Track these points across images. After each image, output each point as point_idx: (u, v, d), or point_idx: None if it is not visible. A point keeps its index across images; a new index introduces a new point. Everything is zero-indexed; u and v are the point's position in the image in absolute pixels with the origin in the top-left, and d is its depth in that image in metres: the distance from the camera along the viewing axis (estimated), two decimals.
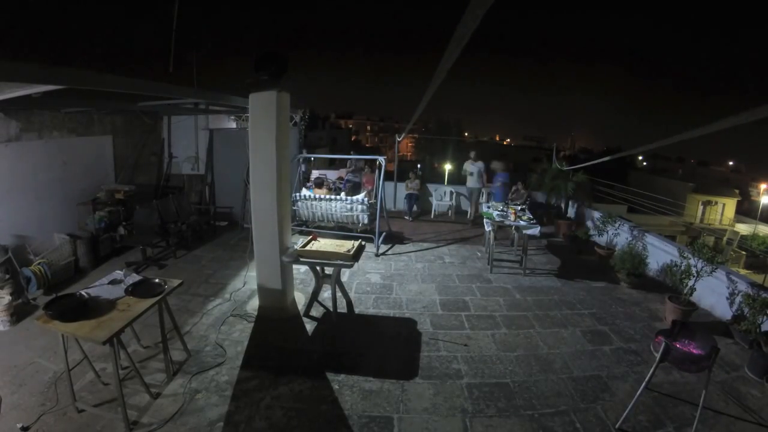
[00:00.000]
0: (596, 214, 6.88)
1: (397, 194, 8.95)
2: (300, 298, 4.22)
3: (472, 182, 7.97)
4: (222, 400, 2.70)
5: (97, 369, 2.83)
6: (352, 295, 4.28)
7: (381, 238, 6.03)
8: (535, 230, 5.23)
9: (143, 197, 6.16)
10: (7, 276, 3.67)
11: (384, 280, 4.84)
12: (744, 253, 17.44)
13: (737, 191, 23.13)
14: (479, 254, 5.96)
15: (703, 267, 3.97)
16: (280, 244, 3.71)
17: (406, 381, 2.96)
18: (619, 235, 6.21)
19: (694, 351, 2.49)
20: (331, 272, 3.85)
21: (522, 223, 5.26)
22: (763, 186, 23.52)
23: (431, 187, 8.98)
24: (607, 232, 6.26)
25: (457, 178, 9.34)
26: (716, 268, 3.97)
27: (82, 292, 2.59)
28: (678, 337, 2.61)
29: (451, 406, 2.73)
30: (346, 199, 6.05)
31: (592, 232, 6.54)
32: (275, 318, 3.82)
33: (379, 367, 3.12)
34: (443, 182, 11.02)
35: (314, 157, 8.42)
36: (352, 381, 2.94)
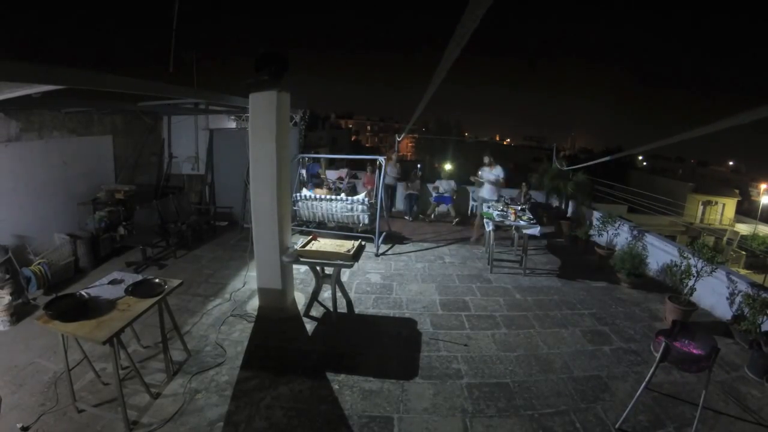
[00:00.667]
0: (596, 214, 6.88)
1: (397, 194, 8.95)
2: (300, 298, 4.22)
3: (487, 192, 6.45)
4: (222, 400, 2.70)
5: (97, 369, 2.83)
6: (352, 295, 4.28)
7: (381, 238, 6.03)
8: (535, 230, 5.23)
9: (143, 197, 6.16)
10: (7, 276, 3.67)
11: (384, 280, 4.84)
12: (744, 253, 17.45)
13: (737, 191, 23.14)
14: (478, 254, 5.96)
15: (703, 267, 3.97)
16: (280, 244, 3.71)
17: (406, 381, 2.96)
18: (619, 235, 6.21)
19: (694, 351, 2.49)
20: (331, 272, 3.85)
21: (522, 223, 5.26)
22: (763, 186, 23.51)
23: (432, 185, 8.98)
24: (607, 232, 6.26)
25: (458, 179, 9.32)
26: (716, 268, 3.97)
27: (82, 292, 2.59)
28: (678, 337, 2.61)
29: (451, 406, 2.73)
30: (347, 199, 6.05)
31: (592, 232, 6.54)
32: (275, 318, 3.82)
33: (379, 367, 3.12)
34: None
35: (322, 158, 8.43)
36: (352, 381, 2.94)
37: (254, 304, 4.04)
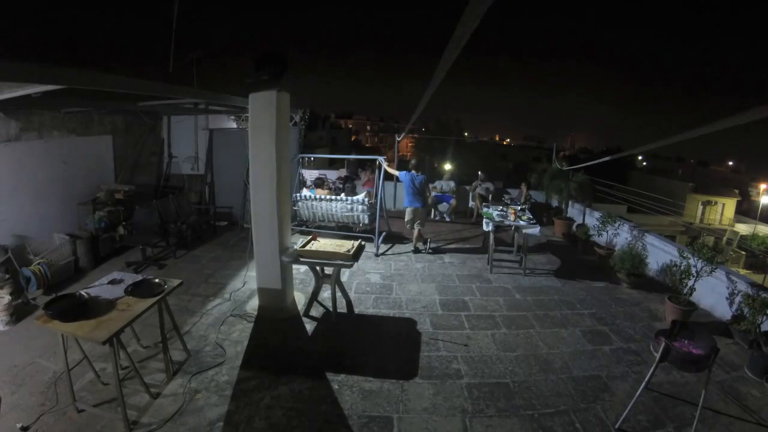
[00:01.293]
0: (596, 214, 6.88)
1: (397, 194, 8.96)
2: (300, 298, 4.22)
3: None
4: (222, 400, 2.70)
5: (97, 369, 2.82)
6: (352, 295, 4.28)
7: (381, 238, 6.03)
8: (535, 230, 5.23)
9: (143, 197, 6.17)
10: (7, 276, 3.66)
11: (384, 280, 4.84)
12: (744, 253, 17.46)
13: (737, 191, 23.16)
14: (478, 254, 5.96)
15: (702, 267, 3.97)
16: (280, 244, 3.71)
17: (405, 381, 2.96)
18: (618, 235, 6.21)
19: (694, 351, 2.49)
20: (331, 272, 3.85)
21: (522, 223, 5.26)
22: (763, 186, 23.52)
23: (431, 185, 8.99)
24: (607, 232, 6.26)
25: (458, 179, 9.33)
26: (716, 268, 3.97)
27: (82, 292, 2.59)
28: (678, 337, 2.60)
29: (451, 406, 2.73)
30: (347, 199, 6.06)
31: (592, 232, 6.54)
32: (275, 318, 3.81)
33: (378, 367, 3.12)
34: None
35: (314, 157, 8.44)
36: (352, 381, 2.94)
37: (254, 304, 4.04)
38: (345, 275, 4.77)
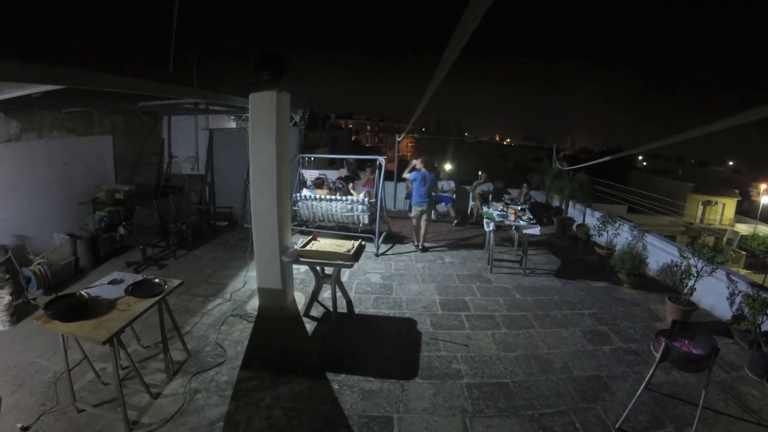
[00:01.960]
0: (596, 214, 6.88)
1: (397, 194, 8.96)
2: (300, 298, 4.22)
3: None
4: (222, 400, 2.70)
5: (97, 369, 2.83)
6: (352, 295, 4.27)
7: (381, 238, 6.03)
8: (535, 230, 5.23)
9: (143, 197, 6.16)
10: (7, 276, 3.67)
11: (384, 280, 4.84)
12: (744, 253, 17.45)
13: (737, 191, 23.14)
14: (478, 254, 5.96)
15: (703, 267, 3.96)
16: (280, 244, 3.71)
17: (406, 381, 2.96)
18: (619, 235, 6.21)
19: (694, 351, 2.49)
20: (331, 272, 3.85)
21: (522, 223, 5.26)
22: (763, 186, 23.51)
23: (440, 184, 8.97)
24: (607, 232, 6.26)
25: (458, 179, 9.33)
26: (716, 268, 3.97)
27: (82, 292, 2.59)
28: (678, 337, 2.61)
29: (451, 406, 2.73)
30: (347, 199, 6.05)
31: (592, 232, 6.54)
32: (275, 318, 3.82)
33: (379, 367, 3.12)
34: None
35: (314, 157, 8.43)
36: (352, 381, 2.94)
37: (254, 304, 4.04)
38: (345, 275, 4.77)
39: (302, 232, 6.24)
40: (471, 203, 8.60)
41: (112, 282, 2.86)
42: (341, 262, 3.60)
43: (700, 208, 22.05)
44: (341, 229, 6.26)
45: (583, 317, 4.08)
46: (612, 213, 6.49)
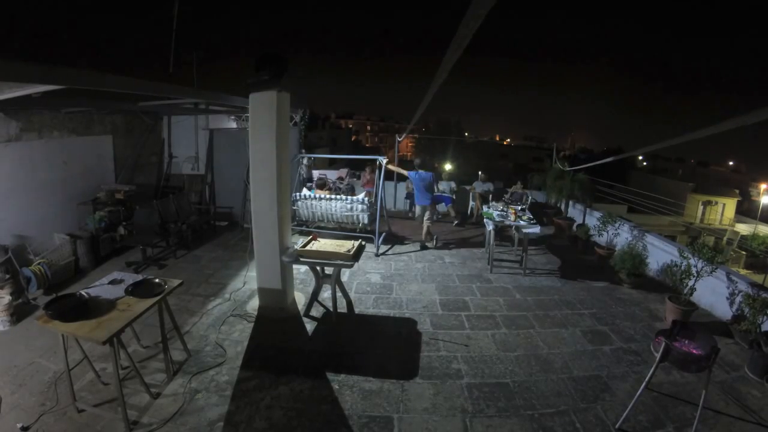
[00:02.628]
0: (596, 214, 6.88)
1: (397, 194, 8.95)
2: (300, 298, 4.22)
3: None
4: (222, 400, 2.70)
5: (97, 369, 2.83)
6: (352, 295, 4.28)
7: (381, 238, 6.02)
8: (535, 230, 5.23)
9: (143, 197, 6.16)
10: (7, 276, 3.66)
11: (384, 280, 4.84)
12: (744, 253, 17.45)
13: (737, 191, 23.13)
14: (479, 254, 5.96)
15: (703, 267, 3.96)
16: (280, 244, 3.71)
17: (406, 381, 2.96)
18: (619, 235, 6.21)
19: (694, 351, 2.49)
20: (331, 272, 3.85)
21: (522, 223, 5.26)
22: (763, 186, 23.52)
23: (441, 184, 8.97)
24: (607, 232, 6.26)
25: (458, 179, 9.34)
26: (716, 268, 3.97)
27: (82, 292, 2.59)
28: (678, 337, 2.61)
29: (451, 406, 2.73)
30: (346, 199, 6.05)
31: (592, 232, 6.54)
32: (275, 318, 3.82)
33: (379, 367, 3.12)
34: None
35: (314, 157, 8.43)
36: (352, 381, 2.94)
37: (254, 304, 4.04)
38: (345, 275, 4.77)
39: (302, 232, 6.23)
40: (471, 203, 8.60)
41: (112, 282, 2.86)
42: (341, 262, 3.60)
43: (700, 208, 22.05)
44: (341, 229, 6.26)
45: (583, 317, 4.08)
46: (612, 213, 6.49)
